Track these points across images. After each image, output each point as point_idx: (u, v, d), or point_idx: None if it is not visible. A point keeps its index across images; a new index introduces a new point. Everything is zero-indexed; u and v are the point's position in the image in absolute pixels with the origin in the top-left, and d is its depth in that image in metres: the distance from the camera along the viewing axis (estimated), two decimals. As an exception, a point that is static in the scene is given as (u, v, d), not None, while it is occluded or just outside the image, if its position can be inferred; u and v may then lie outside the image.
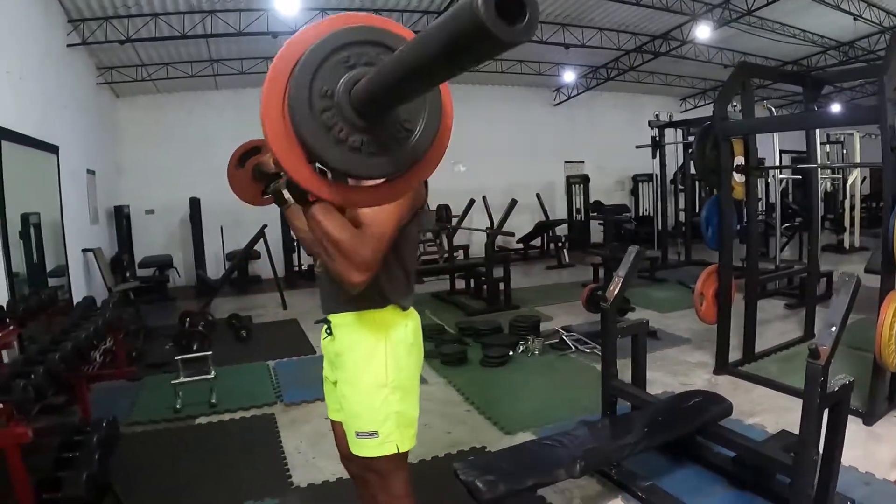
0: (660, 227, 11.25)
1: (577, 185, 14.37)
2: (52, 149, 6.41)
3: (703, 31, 9.64)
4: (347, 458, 2.13)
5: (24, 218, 6.12)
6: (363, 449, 1.86)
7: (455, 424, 4.26)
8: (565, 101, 14.44)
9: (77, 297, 6.54)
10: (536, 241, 13.36)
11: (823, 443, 2.61)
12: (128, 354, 6.00)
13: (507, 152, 13.76)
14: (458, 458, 3.54)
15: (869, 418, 3.87)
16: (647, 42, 11.16)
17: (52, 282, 6.49)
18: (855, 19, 9.11)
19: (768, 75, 5.36)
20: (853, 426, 3.72)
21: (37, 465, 3.25)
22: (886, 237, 3.82)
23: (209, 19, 8.03)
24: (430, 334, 6.36)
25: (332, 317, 1.94)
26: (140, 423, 4.48)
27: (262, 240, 8.30)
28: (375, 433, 1.83)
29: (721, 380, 4.89)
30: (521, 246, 12.99)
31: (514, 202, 8.33)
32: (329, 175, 1.31)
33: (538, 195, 13.40)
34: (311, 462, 3.72)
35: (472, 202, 10.27)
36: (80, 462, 3.36)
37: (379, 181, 1.34)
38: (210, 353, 5.28)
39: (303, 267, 11.38)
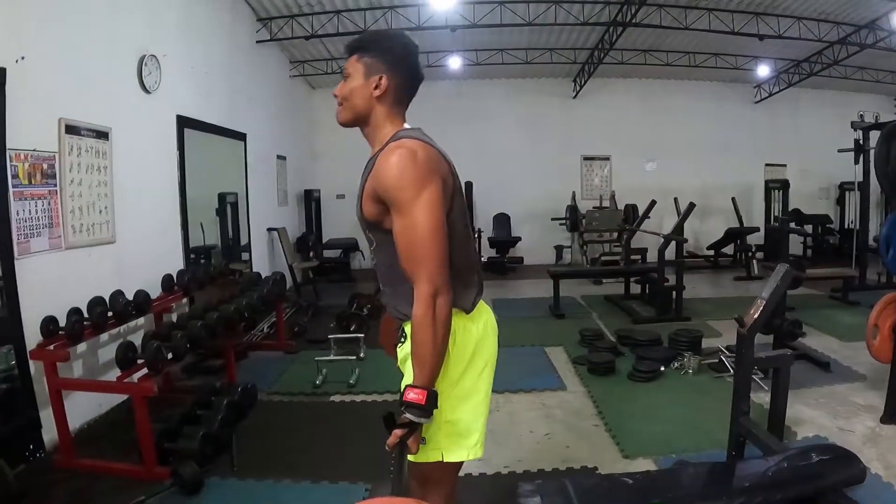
0: (860, 242, 9.92)
1: (776, 191, 13.05)
2: (240, 136, 7.05)
3: None
4: None
5: (221, 197, 6.83)
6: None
7: (577, 438, 4.03)
8: (766, 98, 13.13)
9: (259, 272, 7.15)
10: (729, 250, 12.39)
11: None
12: (291, 329, 6.49)
13: (701, 152, 12.86)
14: (563, 476, 3.34)
15: None
16: (851, 33, 9.79)
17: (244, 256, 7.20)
18: None
19: None
20: None
21: (170, 418, 3.62)
22: None
23: (390, 14, 8.38)
24: (587, 339, 6.15)
25: (405, 324, 1.87)
26: (279, 394, 4.79)
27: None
28: (424, 439, 1.75)
29: (887, 430, 4.04)
30: (711, 253, 12.15)
31: (691, 206, 7.77)
32: None
33: (733, 199, 12.42)
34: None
35: (652, 203, 9.75)
36: (205, 420, 3.67)
37: None
38: (362, 335, 5.52)
39: (484, 258, 11.50)
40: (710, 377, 5.21)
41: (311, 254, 9.99)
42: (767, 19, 9.15)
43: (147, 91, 5.12)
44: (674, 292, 7.56)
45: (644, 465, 3.59)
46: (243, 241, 7.34)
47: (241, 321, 4.83)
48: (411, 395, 1.61)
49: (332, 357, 5.39)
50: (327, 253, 10.89)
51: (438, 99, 12.02)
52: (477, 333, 1.84)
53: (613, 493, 2.55)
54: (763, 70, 11.57)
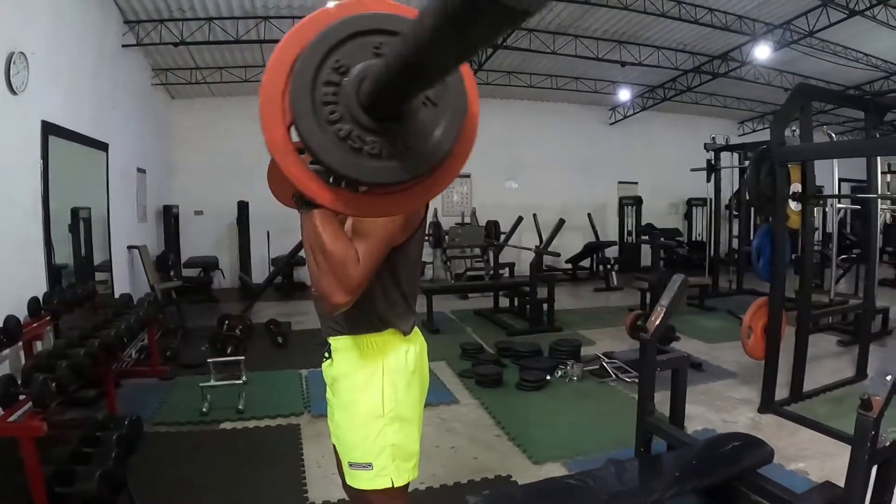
0: (712, 253, 10.90)
1: (629, 207, 14.15)
2: (102, 146, 6.52)
3: (762, 52, 9.30)
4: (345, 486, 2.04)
5: (74, 212, 6.25)
6: (357, 481, 1.76)
7: (483, 450, 4.10)
8: (621, 120, 14.22)
9: (120, 293, 6.63)
10: (586, 263, 13.10)
11: (869, 501, 2.40)
12: (162, 353, 6.05)
13: (560, 170, 13.63)
14: (482, 486, 3.41)
15: None
16: (705, 62, 10.89)
17: (98, 276, 6.61)
18: (920, 43, 8.71)
19: (829, 99, 5.11)
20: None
21: (56, 458, 3.24)
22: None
23: (263, 25, 8.12)
24: (468, 353, 6.27)
25: (331, 339, 1.83)
26: (165, 424, 4.44)
27: (300, 248, 8.30)
28: (370, 465, 1.73)
29: (765, 419, 4.58)
30: (569, 266, 12.76)
31: (561, 222, 8.16)
32: (331, 178, 1.17)
33: (589, 215, 13.19)
34: (329, 478, 3.59)
35: (519, 220, 10.11)
36: (97, 458, 3.32)
37: (394, 187, 1.18)
38: (242, 357, 5.26)
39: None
40: (594, 383, 5.53)
41: (172, 273, 9.39)
42: (629, 47, 9.86)
43: (14, 92, 4.60)
44: (544, 304, 7.86)
45: (554, 469, 3.72)
46: (98, 260, 6.76)
47: (122, 347, 4.45)
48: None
49: (213, 382, 5.07)
50: (186, 272, 10.29)
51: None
52: (420, 356, 1.85)
53: (567, 493, 2.63)
54: (624, 94, 12.49)
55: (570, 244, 12.88)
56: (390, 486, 1.74)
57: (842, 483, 2.42)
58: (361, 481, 1.74)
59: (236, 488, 3.49)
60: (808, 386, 4.98)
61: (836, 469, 3.23)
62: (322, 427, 4.40)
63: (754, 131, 15.29)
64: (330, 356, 1.84)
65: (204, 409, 4.63)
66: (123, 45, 7.79)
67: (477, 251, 12.00)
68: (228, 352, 5.98)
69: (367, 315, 1.69)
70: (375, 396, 1.72)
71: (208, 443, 4.17)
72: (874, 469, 2.35)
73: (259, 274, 10.60)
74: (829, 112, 13.06)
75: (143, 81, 9.19)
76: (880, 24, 7.99)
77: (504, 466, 3.81)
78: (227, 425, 4.47)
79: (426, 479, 3.56)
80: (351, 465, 1.75)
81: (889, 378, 2.33)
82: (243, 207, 10.66)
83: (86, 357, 3.60)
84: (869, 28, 8.51)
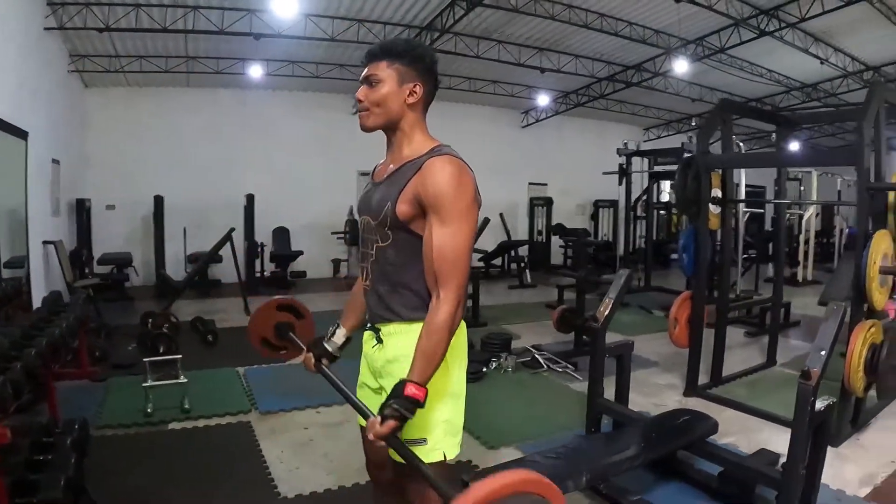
0: (621, 252, 11.40)
1: (540, 207, 14.62)
2: (22, 134, 6.15)
3: (681, 66, 9.88)
4: (379, 466, 2.12)
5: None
6: None
7: (438, 440, 4.21)
8: (533, 123, 14.64)
9: (35, 291, 6.31)
10: (498, 261, 13.41)
11: (808, 458, 2.79)
12: (90, 354, 5.79)
13: (475, 171, 13.76)
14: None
15: (835, 440, 4.05)
16: (620, 72, 11.43)
17: (7, 273, 6.22)
18: (822, 63, 9.46)
19: (747, 113, 5.56)
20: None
21: (9, 467, 3.10)
22: (859, 272, 3.95)
23: (191, 14, 7.89)
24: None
25: (382, 325, 1.91)
26: (110, 427, 4.29)
27: (227, 243, 8.12)
28: (424, 440, 1.81)
29: (691, 402, 4.99)
30: (482, 264, 13.02)
31: (486, 220, 8.36)
32: None
33: (501, 215, 13.52)
34: (296, 472, 3.63)
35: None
36: (56, 465, 3.21)
37: None
38: (180, 356, 5.14)
39: (265, 273, 11.27)
40: (527, 374, 5.85)
41: (87, 270, 8.96)
42: (550, 54, 10.17)
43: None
44: (470, 300, 8.05)
45: (508, 453, 3.94)
46: (5, 257, 6.36)
47: (67, 347, 4.26)
48: (413, 391, 1.64)
49: (153, 382, 4.89)
50: (99, 269, 9.82)
51: (224, 106, 11.52)
52: (464, 335, 1.97)
53: (550, 465, 2.85)
54: (543, 99, 12.89)
55: (482, 243, 13.11)
56: (442, 459, 1.84)
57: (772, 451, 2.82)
58: None
59: (203, 489, 3.44)
60: (724, 372, 5.48)
61: (760, 441, 3.76)
62: (275, 423, 4.44)
63: (659, 137, 16.16)
64: (380, 341, 1.92)
65: (149, 410, 4.51)
66: (46, 28, 7.39)
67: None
68: (161, 351, 5.79)
69: (426, 302, 1.79)
70: (436, 375, 1.77)
71: (160, 444, 4.07)
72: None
73: (174, 271, 10.22)
74: (734, 123, 13.87)
75: (60, 67, 8.70)
76: (787, 44, 8.65)
77: (463, 454, 3.91)
78: (176, 425, 4.39)
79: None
80: (406, 441, 1.77)
81: (823, 353, 2.78)
82: (159, 202, 10.24)
83: (36, 358, 3.45)
84: (775, 47, 9.22)
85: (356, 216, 2.16)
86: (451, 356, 1.83)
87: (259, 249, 10.92)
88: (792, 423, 2.77)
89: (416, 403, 1.64)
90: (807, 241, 11.80)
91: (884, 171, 4.23)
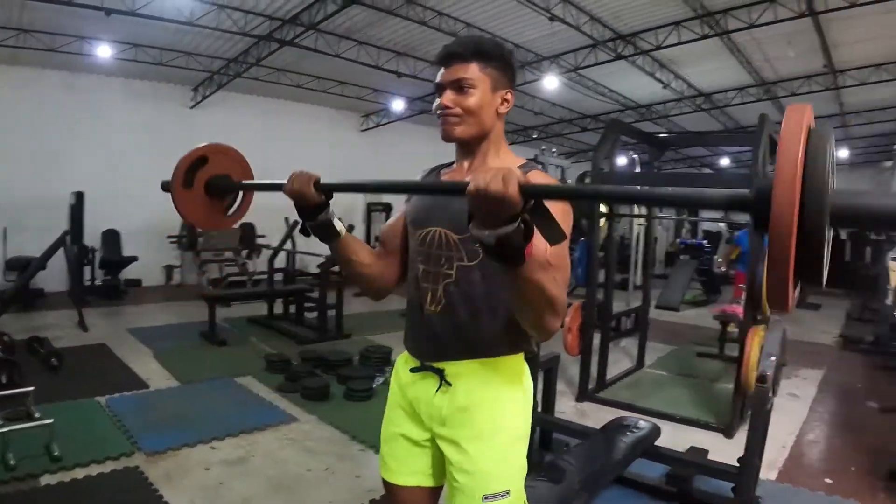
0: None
1: (377, 213, 14.53)
2: None
3: (551, 83, 10.31)
4: None
5: None
6: None
7: (357, 466, 3.95)
8: (373, 128, 14.71)
9: None
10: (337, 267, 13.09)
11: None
12: None
13: (321, 173, 13.45)
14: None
15: (729, 432, 4.58)
16: None
17: None
18: (664, 87, 10.35)
19: (631, 134, 5.98)
20: (717, 440, 4.47)
21: None
22: (753, 283, 4.32)
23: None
24: (276, 365, 5.94)
25: (448, 365, 1.64)
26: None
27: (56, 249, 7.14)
28: (507, 492, 1.60)
29: (585, 406, 5.23)
30: (319, 270, 12.65)
31: (350, 227, 8.06)
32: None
33: (340, 219, 13.23)
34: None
35: (295, 223, 9.75)
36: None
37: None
38: (32, 388, 4.23)
39: (95, 282, 10.10)
40: None
41: None
42: (407, 59, 10.13)
43: None
44: (332, 311, 7.73)
45: None
46: None
47: None
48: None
49: (8, 427, 3.86)
50: None
51: (51, 90, 10.23)
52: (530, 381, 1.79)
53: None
54: (398, 104, 12.94)
55: (322, 248, 12.77)
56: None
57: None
58: None
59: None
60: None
61: (664, 439, 3.75)
62: (168, 466, 3.81)
63: (511, 144, 16.67)
64: (447, 383, 1.65)
65: (11, 463, 3.59)
66: None
67: (230, 255, 11.44)
68: (3, 382, 4.87)
69: (508, 336, 1.60)
70: (518, 419, 1.65)
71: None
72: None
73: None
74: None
75: None
76: (637, 67, 9.31)
77: (372, 473, 3.73)
78: (49, 479, 3.53)
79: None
80: (486, 497, 1.59)
81: (773, 359, 3.12)
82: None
83: None
84: (624, 67, 9.93)
85: (408, 227, 1.80)
86: (525, 398, 1.70)
87: (90, 255, 9.78)
88: (750, 420, 3.11)
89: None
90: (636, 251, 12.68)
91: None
